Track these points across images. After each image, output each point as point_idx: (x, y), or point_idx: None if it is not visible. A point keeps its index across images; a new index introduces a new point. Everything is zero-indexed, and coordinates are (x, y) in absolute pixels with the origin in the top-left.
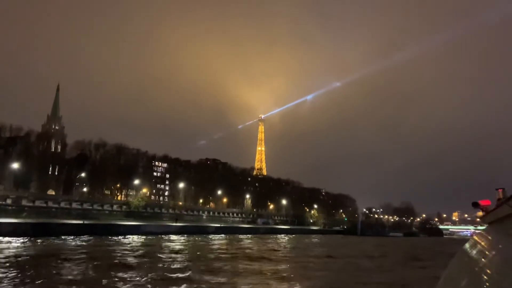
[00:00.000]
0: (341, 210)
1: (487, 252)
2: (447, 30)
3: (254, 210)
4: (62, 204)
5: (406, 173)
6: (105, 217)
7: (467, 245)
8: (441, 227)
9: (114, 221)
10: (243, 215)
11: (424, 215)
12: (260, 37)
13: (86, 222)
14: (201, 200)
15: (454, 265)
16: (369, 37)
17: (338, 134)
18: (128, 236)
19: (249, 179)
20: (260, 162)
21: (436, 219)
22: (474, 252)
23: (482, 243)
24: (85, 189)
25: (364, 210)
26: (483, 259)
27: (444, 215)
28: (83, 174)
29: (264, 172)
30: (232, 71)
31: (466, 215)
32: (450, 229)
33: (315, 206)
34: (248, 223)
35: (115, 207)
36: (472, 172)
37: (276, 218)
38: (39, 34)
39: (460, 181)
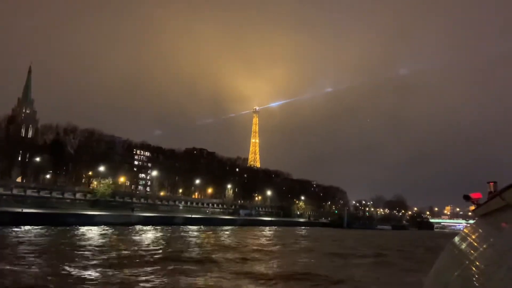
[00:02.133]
0: (329, 202)
1: (477, 245)
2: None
3: (239, 201)
4: (15, 191)
5: (400, 167)
6: (66, 206)
7: (457, 238)
8: (432, 220)
9: (64, 210)
10: (224, 206)
11: (415, 209)
12: (260, 27)
13: (25, 210)
14: (180, 190)
15: (444, 257)
16: (374, 28)
17: (335, 127)
18: (77, 226)
19: (236, 169)
20: (254, 154)
21: (428, 213)
22: (464, 245)
23: (473, 236)
24: (48, 176)
25: (354, 202)
26: (473, 252)
27: (436, 209)
28: (52, 161)
29: (258, 164)
30: (230, 61)
31: (458, 209)
32: (442, 223)
33: (303, 198)
34: (230, 214)
35: (78, 195)
36: (465, 167)
37: (261, 209)
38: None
39: (453, 175)
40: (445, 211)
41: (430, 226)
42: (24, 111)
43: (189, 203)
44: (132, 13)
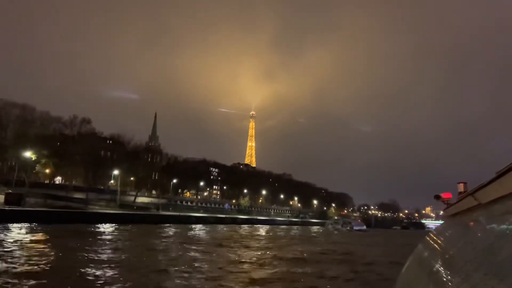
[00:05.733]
0: (334, 205)
1: (450, 245)
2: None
3: (272, 205)
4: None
5: (376, 169)
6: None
7: (428, 238)
8: (423, 221)
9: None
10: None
11: (406, 211)
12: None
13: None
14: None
15: (415, 258)
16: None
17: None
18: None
19: (270, 179)
20: (250, 157)
21: (416, 215)
22: (437, 245)
23: (445, 236)
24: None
25: (362, 207)
26: (447, 252)
27: (424, 212)
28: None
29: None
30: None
31: (440, 211)
32: (428, 224)
33: (315, 202)
34: (295, 217)
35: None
36: (441, 168)
37: (308, 214)
38: None
39: (428, 176)
40: (425, 212)
41: (422, 226)
42: (153, 143)
43: (273, 211)
44: None
